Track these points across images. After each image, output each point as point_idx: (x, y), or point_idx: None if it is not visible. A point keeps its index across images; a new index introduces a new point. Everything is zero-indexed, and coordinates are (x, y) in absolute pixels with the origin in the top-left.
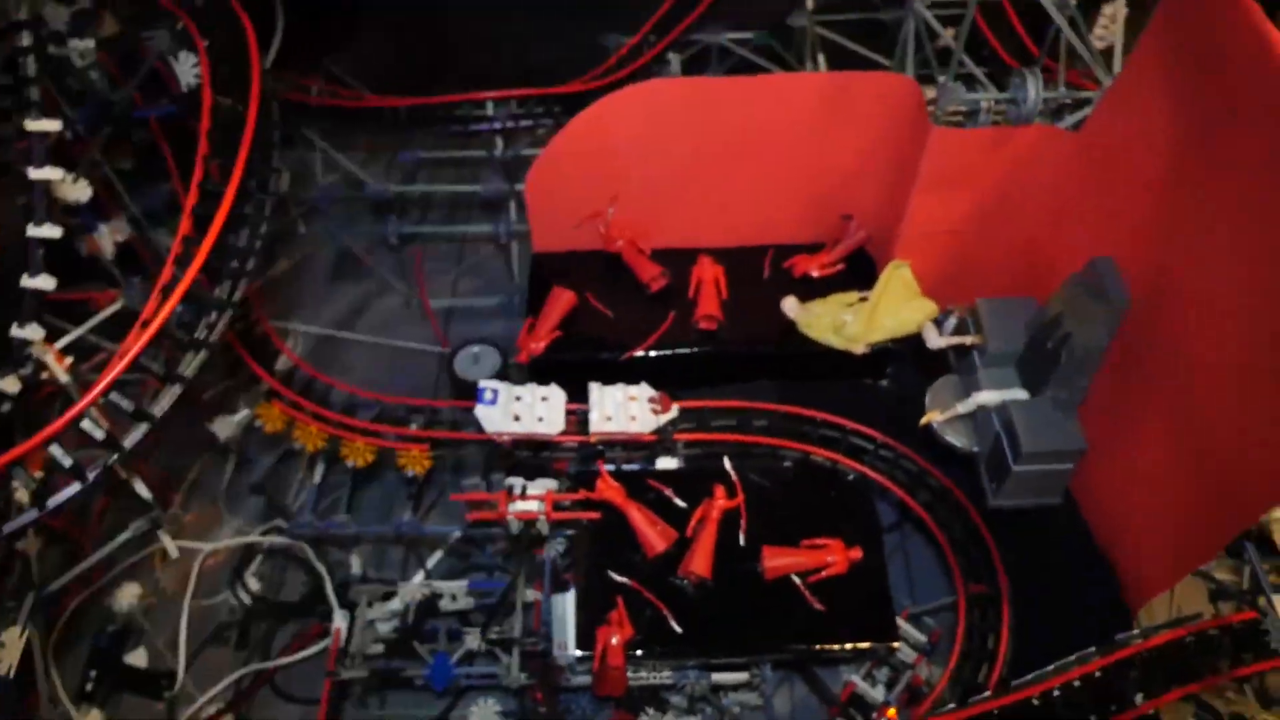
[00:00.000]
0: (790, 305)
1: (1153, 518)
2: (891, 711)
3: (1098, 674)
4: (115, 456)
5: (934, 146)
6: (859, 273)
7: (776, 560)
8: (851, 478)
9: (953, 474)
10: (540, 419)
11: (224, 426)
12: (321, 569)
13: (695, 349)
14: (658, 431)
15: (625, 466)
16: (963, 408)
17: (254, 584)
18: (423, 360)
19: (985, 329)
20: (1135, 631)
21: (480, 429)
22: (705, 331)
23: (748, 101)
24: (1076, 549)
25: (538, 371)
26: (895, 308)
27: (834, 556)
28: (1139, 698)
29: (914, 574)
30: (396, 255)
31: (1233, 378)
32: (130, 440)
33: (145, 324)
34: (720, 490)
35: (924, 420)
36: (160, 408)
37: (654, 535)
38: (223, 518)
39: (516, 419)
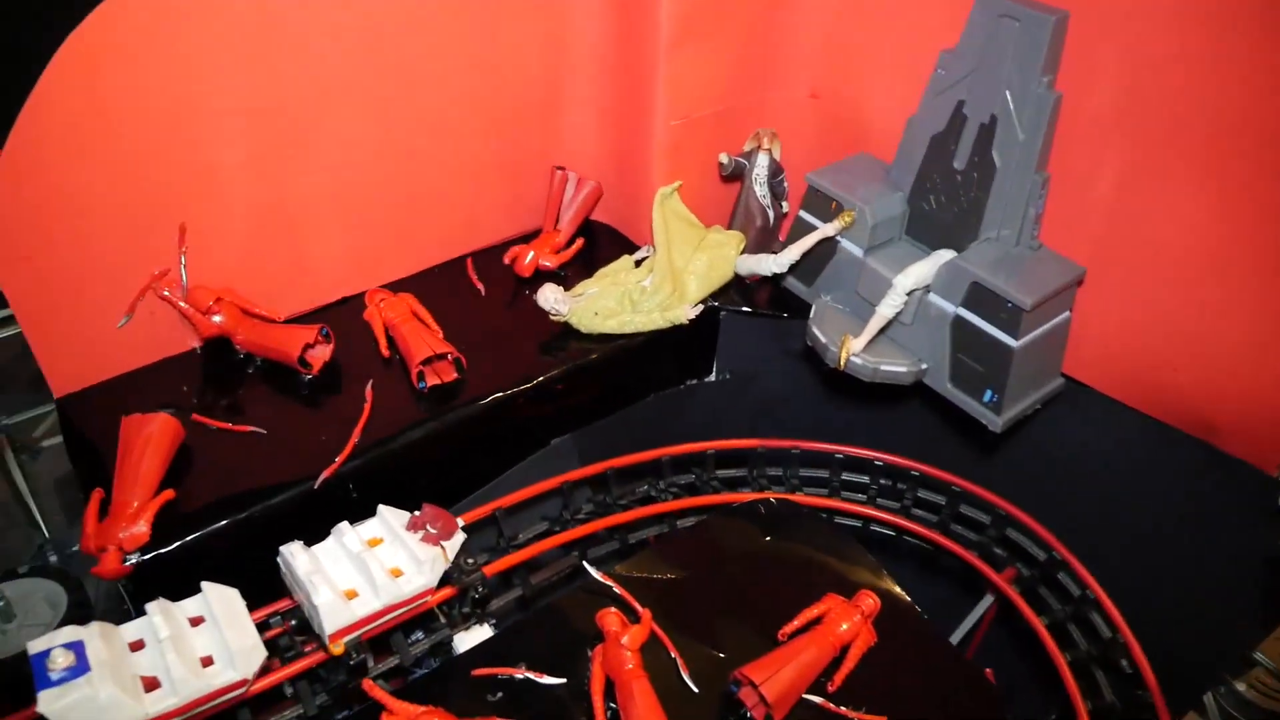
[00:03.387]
0: (551, 296)
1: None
2: None
3: None
4: None
5: None
6: (601, 244)
7: (776, 682)
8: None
9: (876, 441)
10: (210, 662)
11: None
12: None
13: (435, 422)
14: (455, 575)
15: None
16: (888, 308)
17: None
18: None
19: (846, 203)
20: None
21: None
22: (439, 388)
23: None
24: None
25: (157, 578)
26: (691, 249)
27: (845, 624)
28: None
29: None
30: None
31: None
32: None
33: None
34: (614, 618)
35: (842, 359)
36: None
37: None
38: None
39: (154, 686)
